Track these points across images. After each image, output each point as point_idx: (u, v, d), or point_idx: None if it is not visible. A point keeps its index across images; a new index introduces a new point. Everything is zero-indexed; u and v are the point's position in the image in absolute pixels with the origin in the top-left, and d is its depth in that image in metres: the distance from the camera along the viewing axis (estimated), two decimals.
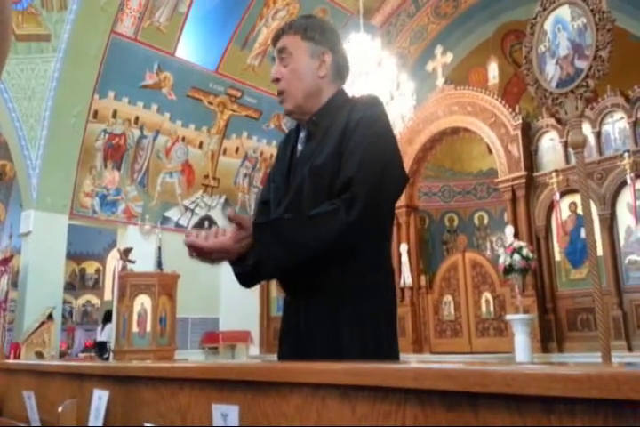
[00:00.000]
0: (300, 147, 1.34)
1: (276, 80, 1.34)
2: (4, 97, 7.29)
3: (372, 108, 1.29)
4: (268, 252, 1.13)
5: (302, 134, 1.36)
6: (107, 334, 9.48)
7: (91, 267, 13.59)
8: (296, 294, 1.29)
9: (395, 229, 7.83)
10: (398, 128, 6.92)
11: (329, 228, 1.12)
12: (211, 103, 8.87)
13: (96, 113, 7.83)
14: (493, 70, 8.53)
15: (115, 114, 8.03)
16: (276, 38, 1.37)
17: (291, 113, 1.36)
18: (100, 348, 9.27)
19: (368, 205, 1.13)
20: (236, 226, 1.14)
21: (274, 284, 9.45)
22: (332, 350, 1.17)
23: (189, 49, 8.41)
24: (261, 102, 9.38)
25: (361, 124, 1.23)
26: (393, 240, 7.71)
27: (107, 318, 9.89)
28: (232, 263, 1.25)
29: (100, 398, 1.20)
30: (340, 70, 1.38)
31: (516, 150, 6.76)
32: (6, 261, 8.49)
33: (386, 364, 0.66)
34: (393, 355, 1.24)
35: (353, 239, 1.15)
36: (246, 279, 1.33)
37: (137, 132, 8.34)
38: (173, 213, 8.83)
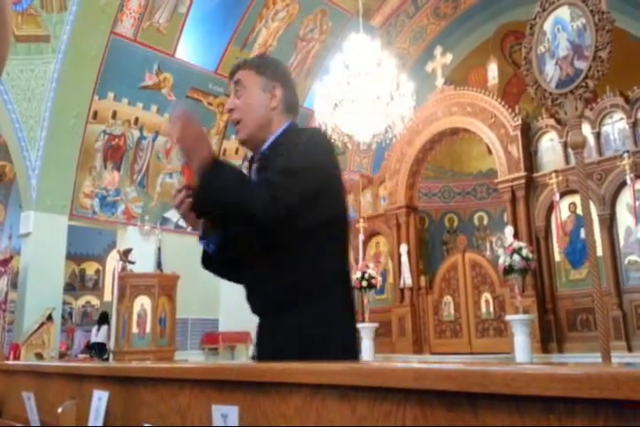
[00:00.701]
0: (253, 177, 1.44)
1: (230, 111, 1.46)
2: (4, 98, 7.29)
3: (310, 137, 1.39)
4: (214, 171, 1.25)
5: (254, 166, 1.46)
6: (102, 335, 9.49)
7: (90, 268, 13.58)
8: (254, 308, 1.43)
9: (394, 229, 7.86)
10: (398, 129, 6.92)
11: (251, 193, 1.24)
12: (210, 104, 8.87)
13: (96, 114, 7.84)
14: (493, 71, 8.53)
15: (114, 115, 8.03)
16: (233, 72, 1.49)
17: (244, 142, 1.49)
18: (99, 349, 9.27)
19: (286, 201, 1.23)
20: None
21: None
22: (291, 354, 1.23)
23: (189, 50, 8.41)
24: None
25: (297, 148, 1.34)
26: (393, 240, 7.74)
27: (102, 319, 9.92)
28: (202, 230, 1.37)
29: (99, 398, 1.20)
30: (290, 104, 1.48)
31: (516, 151, 6.76)
32: (6, 262, 8.48)
33: (386, 364, 0.66)
34: (350, 354, 1.31)
35: (272, 224, 1.24)
36: (207, 259, 1.47)
37: (136, 133, 8.34)
38: (173, 214, 8.83)
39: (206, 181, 1.25)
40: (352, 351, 1.33)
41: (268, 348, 1.36)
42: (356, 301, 1.49)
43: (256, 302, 1.41)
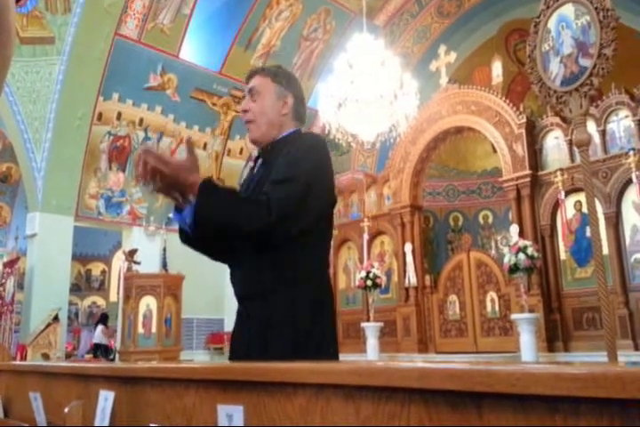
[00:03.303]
0: (256, 170, 1.61)
1: (245, 111, 1.60)
2: (10, 100, 7.33)
3: (310, 141, 1.54)
4: (206, 200, 1.32)
5: (259, 161, 1.61)
6: (97, 335, 9.55)
7: (96, 268, 13.64)
8: (241, 301, 1.52)
9: (399, 228, 7.85)
10: (402, 128, 6.91)
11: (249, 214, 1.34)
12: (214, 104, 8.89)
13: (100, 115, 7.86)
14: (497, 69, 8.50)
15: (119, 116, 8.06)
16: (250, 76, 1.63)
17: (255, 141, 1.62)
18: (105, 349, 9.33)
19: (284, 211, 1.34)
20: (188, 157, 1.33)
21: None
22: (263, 349, 1.37)
23: (193, 50, 8.43)
24: None
25: (297, 151, 1.48)
26: (398, 240, 7.73)
27: (99, 320, 10.01)
28: (177, 211, 1.42)
29: (105, 398, 1.20)
30: (299, 113, 1.64)
31: (521, 149, 6.74)
32: (12, 263, 8.52)
33: (390, 364, 0.66)
34: (326, 353, 1.41)
35: (265, 236, 1.36)
36: (183, 235, 1.50)
37: (141, 134, 8.36)
38: None
39: (202, 202, 1.31)
40: (325, 345, 1.43)
41: (243, 336, 1.47)
42: (332, 293, 1.58)
43: (239, 286, 1.51)
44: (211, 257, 1.58)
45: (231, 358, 1.51)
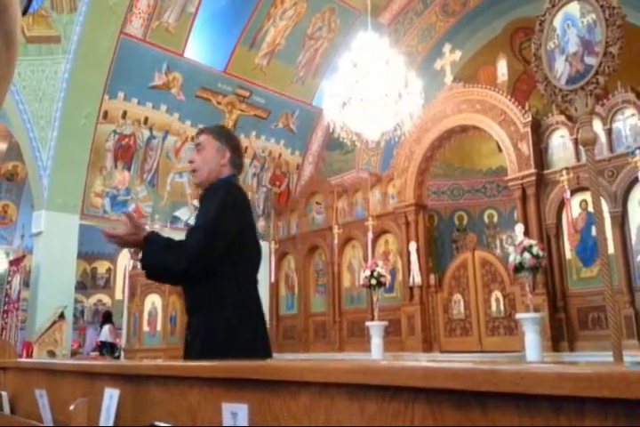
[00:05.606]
0: (198, 207, 2.09)
1: (191, 162, 2.05)
2: (16, 99, 7.36)
3: (217, 185, 1.97)
4: (145, 252, 1.89)
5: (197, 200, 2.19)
6: (105, 334, 9.60)
7: (102, 266, 13.69)
8: (187, 311, 2.02)
9: (403, 227, 7.84)
10: (407, 127, 6.89)
11: (172, 260, 1.83)
12: (219, 103, 8.89)
13: (106, 114, 7.89)
14: (502, 68, 8.47)
15: (124, 114, 8.08)
16: (198, 134, 2.10)
17: (198, 185, 2.11)
18: (111, 347, 9.38)
19: (195, 255, 1.80)
20: (130, 224, 1.87)
21: (282, 283, 9.47)
22: (204, 350, 1.80)
23: (198, 49, 8.43)
24: (270, 102, 9.39)
25: (208, 197, 1.96)
26: (402, 238, 7.72)
27: (105, 318, 10.07)
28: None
29: (111, 396, 1.21)
30: (236, 164, 2.06)
31: (526, 148, 6.71)
32: (18, 260, 8.57)
33: (395, 363, 0.66)
34: (258, 352, 1.82)
35: (185, 273, 1.84)
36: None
37: (146, 133, 8.38)
38: (183, 213, 8.87)
39: (144, 254, 1.88)
40: (251, 350, 1.79)
41: (189, 342, 1.92)
42: (255, 308, 2.01)
43: (185, 303, 2.02)
44: (168, 284, 2.07)
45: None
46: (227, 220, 1.86)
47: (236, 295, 1.87)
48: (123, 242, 1.93)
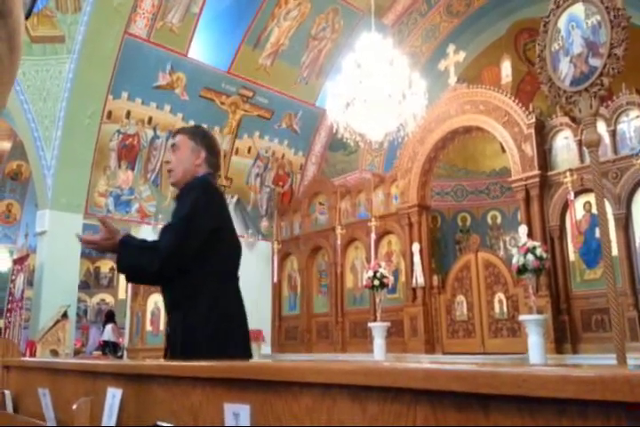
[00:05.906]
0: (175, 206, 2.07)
1: (167, 162, 2.10)
2: (20, 98, 7.38)
3: (192, 184, 1.97)
4: (120, 256, 1.90)
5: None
6: (108, 334, 9.63)
7: (105, 266, 13.71)
8: (165, 308, 2.05)
9: (406, 228, 7.83)
10: (410, 127, 6.89)
11: (146, 262, 1.84)
12: (223, 103, 8.90)
13: (110, 113, 7.91)
14: (506, 69, 8.45)
15: (128, 114, 8.10)
16: (174, 135, 2.12)
17: (173, 184, 2.08)
18: (113, 346, 9.39)
19: (168, 255, 1.82)
20: (105, 229, 1.89)
21: (285, 284, 9.48)
22: (184, 348, 1.82)
23: (202, 49, 8.45)
24: (273, 102, 9.40)
25: (182, 196, 1.99)
26: (405, 239, 7.71)
27: (108, 318, 10.09)
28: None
29: (113, 396, 1.21)
30: (211, 163, 2.07)
31: (530, 149, 6.70)
32: (22, 260, 8.60)
33: (397, 364, 0.66)
34: (238, 349, 1.86)
35: (160, 273, 1.84)
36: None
37: (150, 133, 8.40)
38: None
39: (119, 257, 1.90)
40: (229, 347, 1.82)
41: (172, 341, 1.91)
42: (239, 310, 2.01)
43: (164, 301, 2.03)
44: (147, 285, 2.11)
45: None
46: (200, 218, 1.88)
47: (212, 292, 1.88)
48: (99, 247, 1.95)
